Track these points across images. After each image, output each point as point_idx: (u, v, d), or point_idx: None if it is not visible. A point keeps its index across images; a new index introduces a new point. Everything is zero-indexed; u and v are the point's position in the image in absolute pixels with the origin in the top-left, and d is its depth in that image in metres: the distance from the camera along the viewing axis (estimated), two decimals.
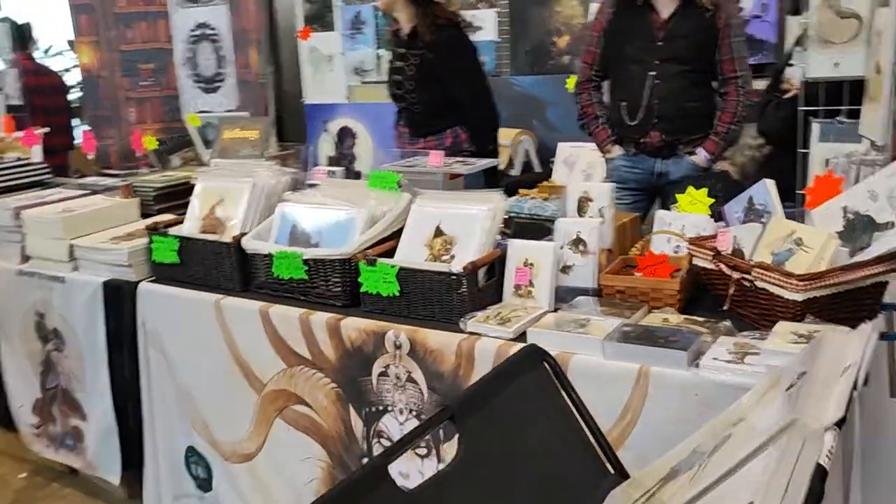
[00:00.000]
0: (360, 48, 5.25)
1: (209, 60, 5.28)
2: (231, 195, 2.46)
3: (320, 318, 2.08)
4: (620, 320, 1.78)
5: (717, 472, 1.05)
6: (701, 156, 2.81)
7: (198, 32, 5.26)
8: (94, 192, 3.08)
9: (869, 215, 1.70)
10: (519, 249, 2.02)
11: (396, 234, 2.18)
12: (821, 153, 2.67)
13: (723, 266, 1.84)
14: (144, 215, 2.88)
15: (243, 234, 2.33)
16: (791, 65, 3.13)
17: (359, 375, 2.04)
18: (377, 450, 2.07)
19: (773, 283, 1.69)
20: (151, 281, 2.48)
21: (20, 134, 3.60)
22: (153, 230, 2.48)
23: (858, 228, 1.71)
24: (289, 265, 2.17)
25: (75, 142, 5.34)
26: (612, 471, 1.46)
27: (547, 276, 1.97)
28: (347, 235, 2.19)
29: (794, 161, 2.85)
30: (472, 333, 1.88)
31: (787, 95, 3.11)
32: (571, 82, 3.21)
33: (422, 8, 3.28)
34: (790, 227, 1.78)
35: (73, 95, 6.19)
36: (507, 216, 2.21)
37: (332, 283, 2.14)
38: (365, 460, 2.09)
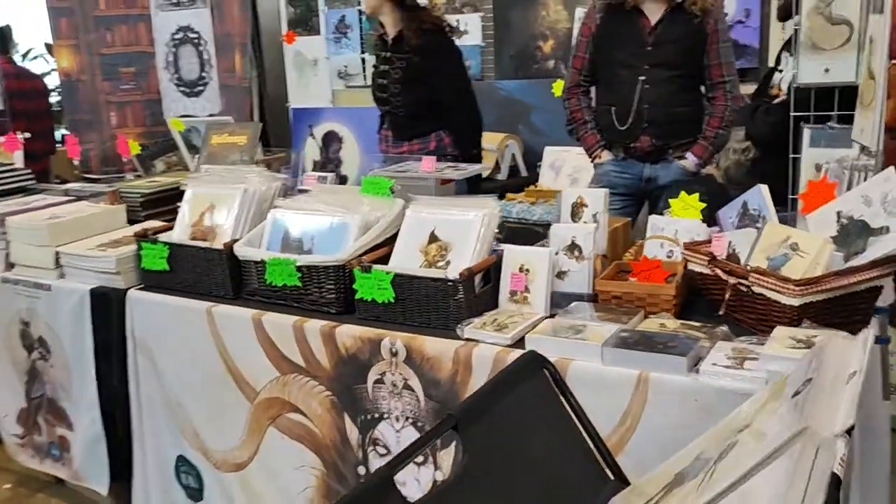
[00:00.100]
0: (345, 52, 5.25)
1: (192, 64, 5.24)
2: (222, 201, 2.43)
3: (314, 326, 2.07)
4: (618, 326, 1.78)
5: (727, 479, 1.05)
6: (690, 160, 2.83)
7: (179, 36, 5.22)
8: (79, 199, 3.05)
9: (863, 220, 1.71)
10: (514, 255, 2.02)
11: (390, 241, 2.17)
12: (812, 158, 2.69)
13: (719, 271, 1.85)
14: (131, 221, 2.83)
15: (235, 241, 2.30)
16: (780, 70, 3.16)
17: (354, 383, 2.03)
18: (372, 458, 2.06)
19: (771, 288, 1.70)
20: (140, 288, 2.45)
21: (1, 139, 3.55)
22: (142, 237, 2.45)
23: (853, 233, 1.72)
24: (282, 272, 2.16)
25: (57, 146, 5.28)
26: (611, 477, 1.46)
27: (543, 281, 1.98)
28: (341, 242, 2.17)
29: (782, 166, 2.87)
30: (469, 340, 1.87)
31: (776, 101, 3.14)
32: (558, 87, 3.21)
33: (407, 12, 3.28)
34: (785, 232, 1.79)
35: (52, 100, 6.10)
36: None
37: (326, 290, 2.12)
38: (360, 468, 2.08)
